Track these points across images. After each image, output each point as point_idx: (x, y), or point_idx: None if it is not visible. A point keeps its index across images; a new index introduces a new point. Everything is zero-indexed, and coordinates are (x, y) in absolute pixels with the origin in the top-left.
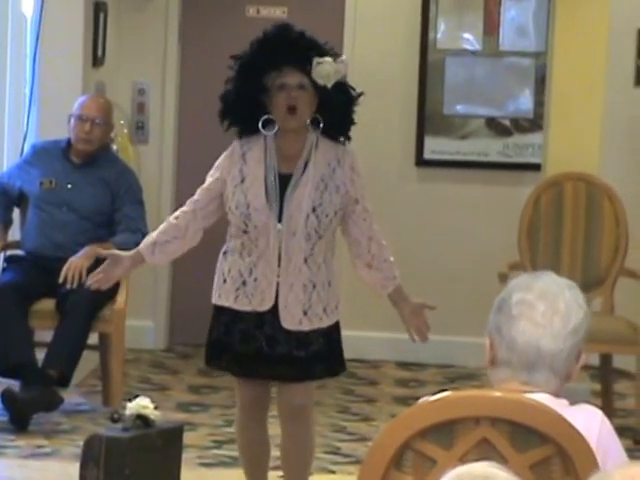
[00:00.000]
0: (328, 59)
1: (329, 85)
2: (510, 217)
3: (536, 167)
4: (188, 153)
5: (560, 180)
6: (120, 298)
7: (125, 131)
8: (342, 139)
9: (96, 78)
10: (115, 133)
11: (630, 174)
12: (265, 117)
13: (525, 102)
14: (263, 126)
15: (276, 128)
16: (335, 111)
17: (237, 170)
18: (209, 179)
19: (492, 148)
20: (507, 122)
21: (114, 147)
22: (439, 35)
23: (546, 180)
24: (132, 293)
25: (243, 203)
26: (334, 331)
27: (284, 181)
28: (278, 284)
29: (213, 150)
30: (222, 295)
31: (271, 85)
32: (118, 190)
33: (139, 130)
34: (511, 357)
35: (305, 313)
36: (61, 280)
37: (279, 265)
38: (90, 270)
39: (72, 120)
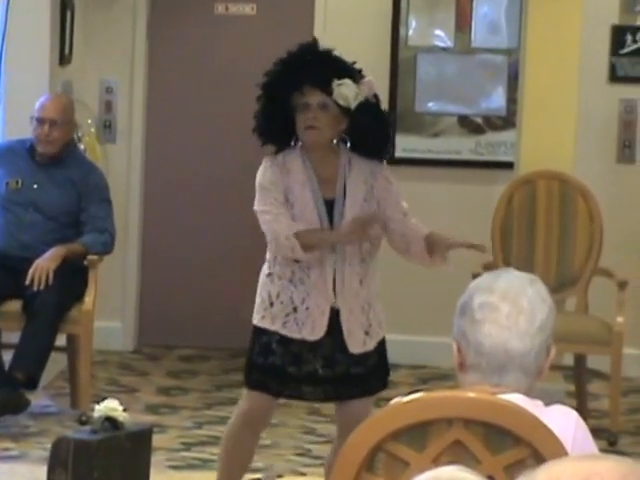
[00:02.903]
0: (347, 81)
1: (352, 106)
2: (483, 216)
3: (509, 165)
4: (156, 152)
5: (533, 178)
6: (88, 299)
7: (92, 130)
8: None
9: (63, 77)
10: (82, 132)
11: (604, 172)
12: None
13: (498, 99)
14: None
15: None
16: (363, 131)
17: (283, 193)
18: (271, 204)
19: (464, 146)
20: (479, 120)
21: (81, 146)
22: (410, 32)
23: (519, 178)
24: (100, 294)
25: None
26: (383, 342)
27: (327, 207)
28: (333, 311)
29: (181, 149)
30: (266, 317)
31: (295, 104)
32: (85, 190)
33: (107, 129)
34: (480, 361)
35: (367, 333)
36: (28, 282)
37: (335, 292)
38: (57, 271)
39: (33, 122)
